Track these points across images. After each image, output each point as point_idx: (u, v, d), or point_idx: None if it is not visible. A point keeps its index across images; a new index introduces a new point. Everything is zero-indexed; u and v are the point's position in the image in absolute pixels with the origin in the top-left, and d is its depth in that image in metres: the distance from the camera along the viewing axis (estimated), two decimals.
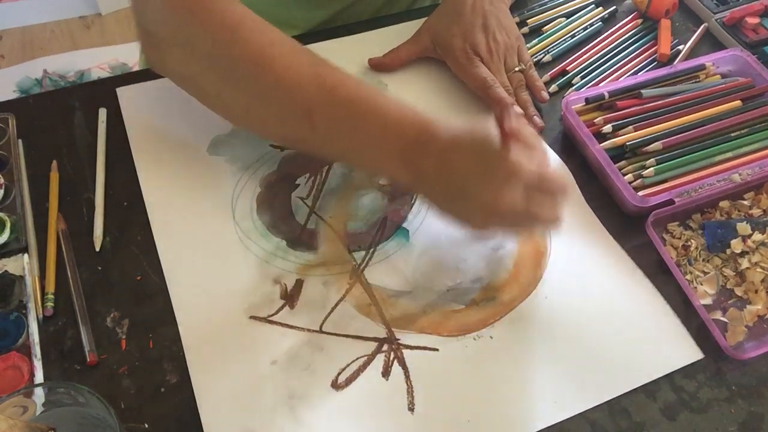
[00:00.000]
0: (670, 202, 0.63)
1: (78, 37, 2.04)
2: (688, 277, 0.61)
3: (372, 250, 0.61)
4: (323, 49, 0.76)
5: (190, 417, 0.51)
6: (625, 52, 0.79)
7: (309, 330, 0.56)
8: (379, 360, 0.55)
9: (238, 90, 0.57)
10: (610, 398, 0.54)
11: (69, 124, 0.68)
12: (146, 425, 0.51)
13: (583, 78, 0.76)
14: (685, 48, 0.80)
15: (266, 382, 0.53)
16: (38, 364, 0.52)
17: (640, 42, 0.80)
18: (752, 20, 0.80)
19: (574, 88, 0.75)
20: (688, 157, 0.66)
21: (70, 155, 0.66)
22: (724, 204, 0.65)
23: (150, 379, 0.53)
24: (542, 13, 0.83)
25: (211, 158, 0.66)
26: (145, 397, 0.52)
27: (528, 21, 0.82)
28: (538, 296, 0.59)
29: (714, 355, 0.56)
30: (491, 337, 0.56)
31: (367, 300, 0.58)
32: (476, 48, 0.71)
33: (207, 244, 0.60)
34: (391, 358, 0.55)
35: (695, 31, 0.82)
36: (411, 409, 0.52)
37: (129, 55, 1.96)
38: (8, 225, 0.59)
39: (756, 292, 0.60)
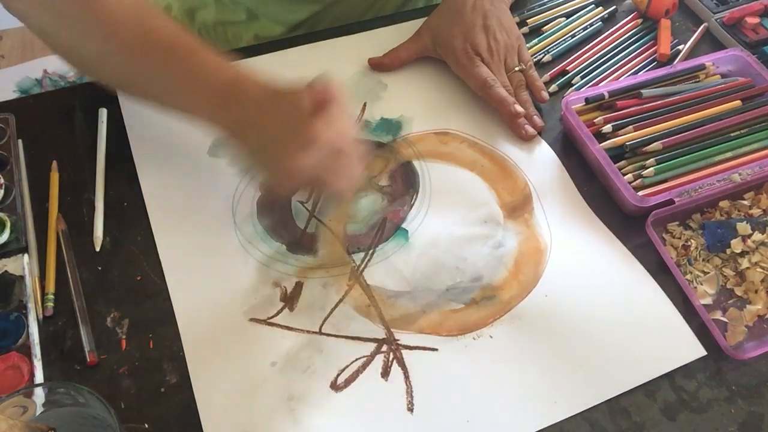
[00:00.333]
0: (670, 202, 0.63)
1: None
2: (688, 277, 0.61)
3: (371, 251, 0.61)
4: (322, 49, 0.76)
5: (190, 417, 0.51)
6: (625, 52, 0.79)
7: (308, 332, 0.56)
8: (379, 361, 0.55)
9: (62, 27, 0.57)
10: (611, 397, 0.53)
11: (69, 124, 0.68)
12: (146, 425, 0.51)
13: (583, 78, 0.76)
14: (685, 48, 0.80)
15: (266, 383, 0.53)
16: (38, 364, 0.52)
17: (640, 42, 0.80)
18: (752, 20, 0.80)
19: (574, 88, 0.75)
20: (688, 157, 0.66)
21: (70, 155, 0.66)
22: (724, 204, 0.65)
23: (150, 379, 0.53)
24: (542, 13, 0.83)
25: (211, 160, 0.66)
26: (145, 397, 0.52)
27: (528, 21, 0.82)
28: (538, 294, 0.59)
29: (714, 355, 0.56)
30: (491, 337, 0.56)
31: (366, 301, 0.58)
32: (477, 48, 0.71)
33: (207, 246, 0.60)
34: (391, 359, 0.55)
35: (695, 31, 0.82)
36: (410, 409, 0.52)
37: None
38: (8, 225, 0.59)
39: (756, 291, 0.60)
